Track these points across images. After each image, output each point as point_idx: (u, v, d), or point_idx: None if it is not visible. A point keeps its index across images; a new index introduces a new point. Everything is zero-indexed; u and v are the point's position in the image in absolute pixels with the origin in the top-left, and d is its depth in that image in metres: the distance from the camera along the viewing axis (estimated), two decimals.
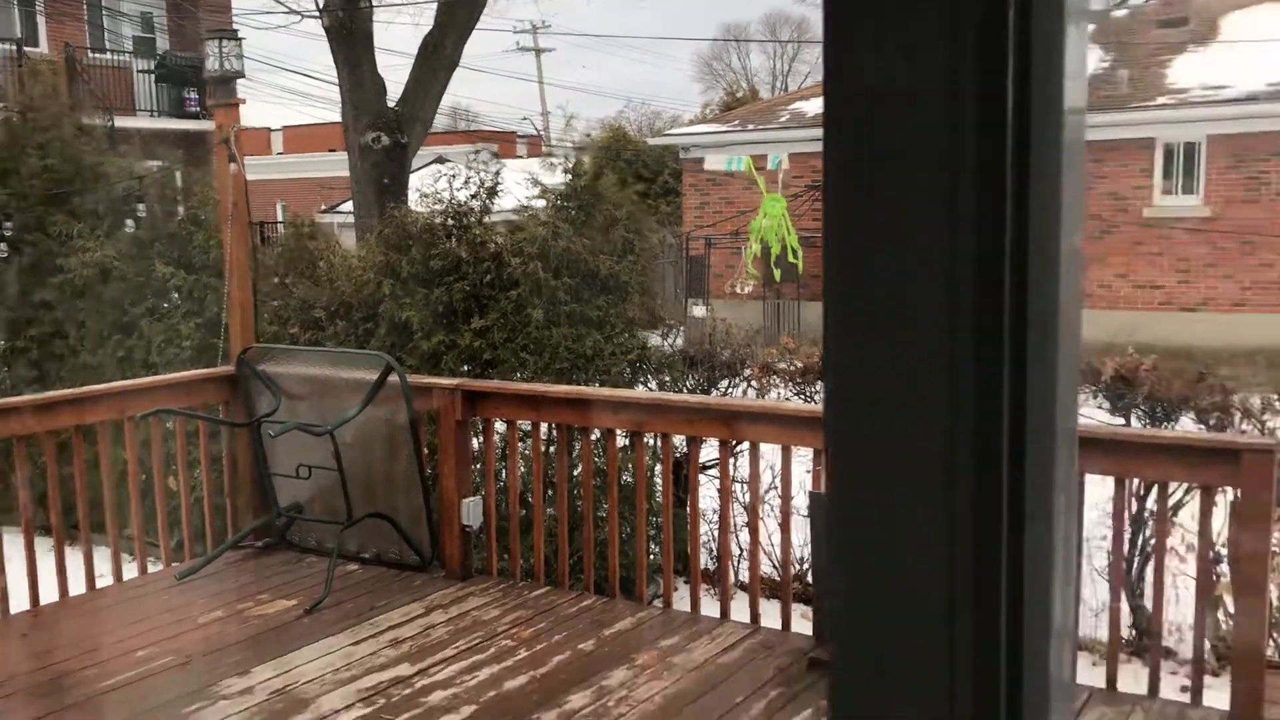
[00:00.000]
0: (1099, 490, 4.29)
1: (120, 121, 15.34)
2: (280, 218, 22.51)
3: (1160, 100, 16.36)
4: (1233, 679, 3.79)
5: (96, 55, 18.69)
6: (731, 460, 5.41)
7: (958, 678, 0.52)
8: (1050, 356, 0.52)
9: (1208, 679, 4.21)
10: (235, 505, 5.96)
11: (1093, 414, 6.41)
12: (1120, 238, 16.33)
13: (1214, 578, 5.28)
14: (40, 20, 18.63)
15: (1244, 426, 5.86)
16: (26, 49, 16.76)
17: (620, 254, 7.41)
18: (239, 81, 6.19)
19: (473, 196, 7.73)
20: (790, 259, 15.52)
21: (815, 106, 20.12)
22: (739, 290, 16.26)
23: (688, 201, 20.46)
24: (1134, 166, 16.25)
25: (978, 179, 0.50)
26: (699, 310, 15.01)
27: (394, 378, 5.34)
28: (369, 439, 5.50)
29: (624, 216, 7.64)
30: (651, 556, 6.32)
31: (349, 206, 15.13)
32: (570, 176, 7.83)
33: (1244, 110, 15.38)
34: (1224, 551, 5.08)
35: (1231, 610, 4.43)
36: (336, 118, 12.16)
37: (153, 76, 18.87)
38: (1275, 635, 5.65)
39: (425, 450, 5.63)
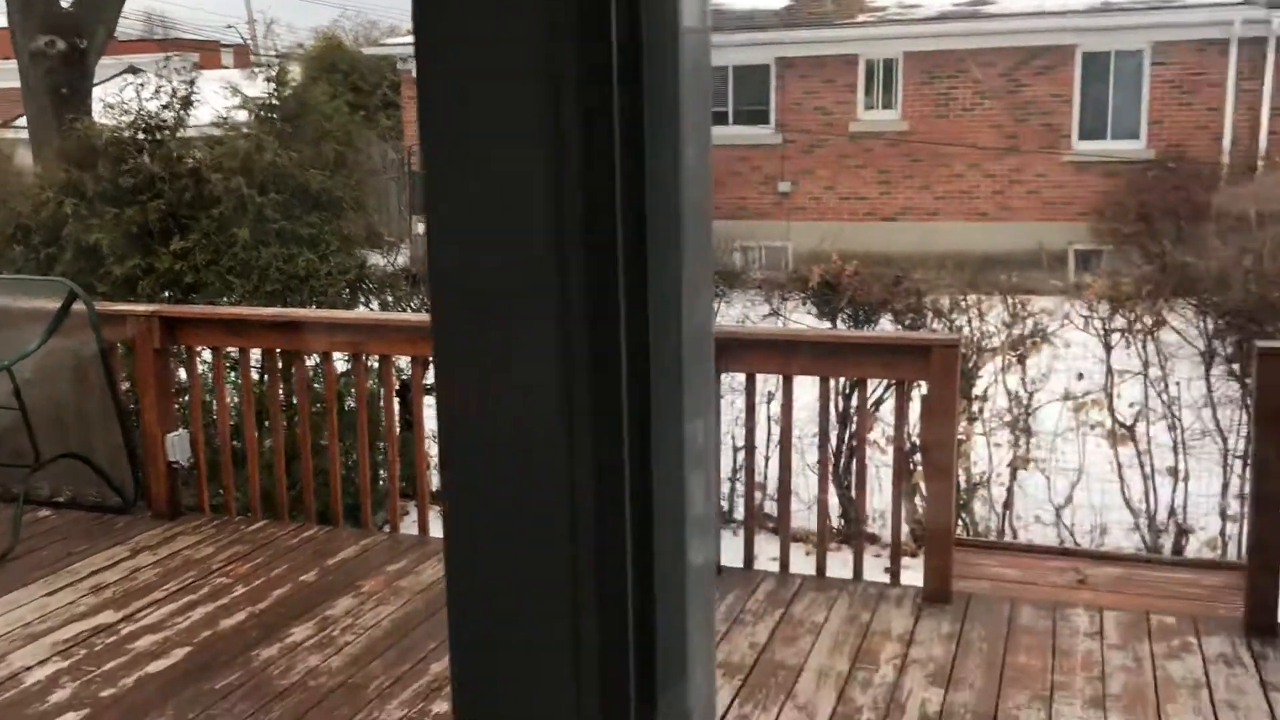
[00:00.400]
0: (809, 390, 4.51)
1: None
2: None
3: (861, 18, 17.16)
4: (925, 558, 4.11)
5: None
6: None
7: (581, 583, 0.48)
8: (674, 263, 0.50)
9: (906, 560, 4.56)
10: None
11: (802, 319, 6.73)
12: (828, 151, 17.14)
13: (910, 467, 5.70)
14: None
15: (935, 325, 6.32)
16: None
17: (332, 168, 7.07)
18: None
19: (165, 107, 7.16)
20: None
21: None
22: None
23: (408, 114, 19.81)
24: (839, 82, 17.02)
25: (580, 91, 0.46)
26: (423, 227, 14.69)
27: (79, 306, 4.89)
28: (55, 373, 5.04)
29: (335, 129, 7.28)
30: (381, 483, 6.17)
31: (25, 122, 13.71)
32: (275, 86, 7.38)
33: (935, 29, 16.38)
34: (918, 442, 5.48)
35: (924, 495, 4.80)
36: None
37: None
38: (963, 516, 6.20)
39: (124, 384, 5.22)
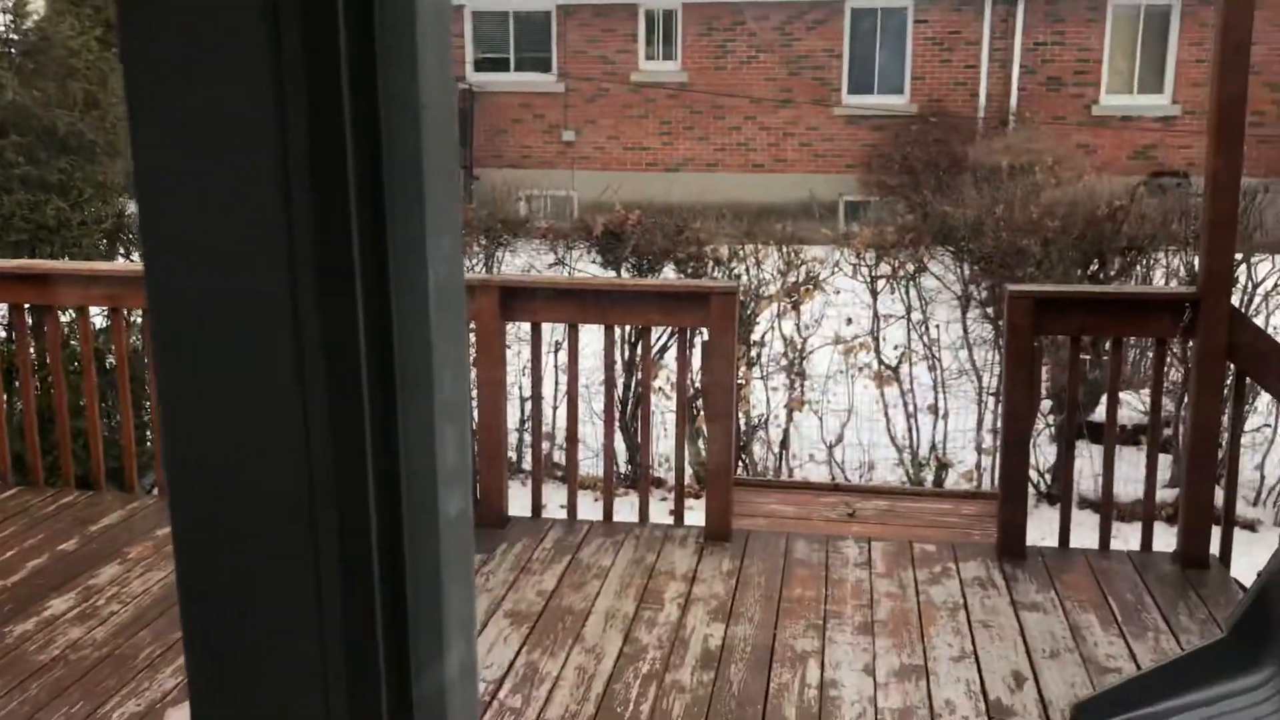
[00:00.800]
0: (596, 339, 4.54)
1: None
2: None
3: None
4: (706, 498, 4.23)
5: None
6: None
7: (323, 559, 0.46)
8: (416, 211, 0.48)
9: (690, 502, 4.68)
10: None
11: (587, 268, 6.76)
12: (610, 101, 17.19)
13: (693, 412, 5.85)
14: None
15: (715, 274, 6.47)
16: None
17: (82, 109, 6.57)
18: None
19: None
20: None
21: None
22: None
23: None
24: (620, 31, 17.06)
25: (305, 26, 0.43)
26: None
27: None
28: None
29: (84, 66, 6.76)
30: (148, 445, 5.84)
31: None
32: (12, 19, 6.77)
33: None
34: (699, 387, 5.63)
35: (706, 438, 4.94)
36: None
37: None
38: (743, 457, 6.42)
39: None
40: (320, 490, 0.46)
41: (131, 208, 7.33)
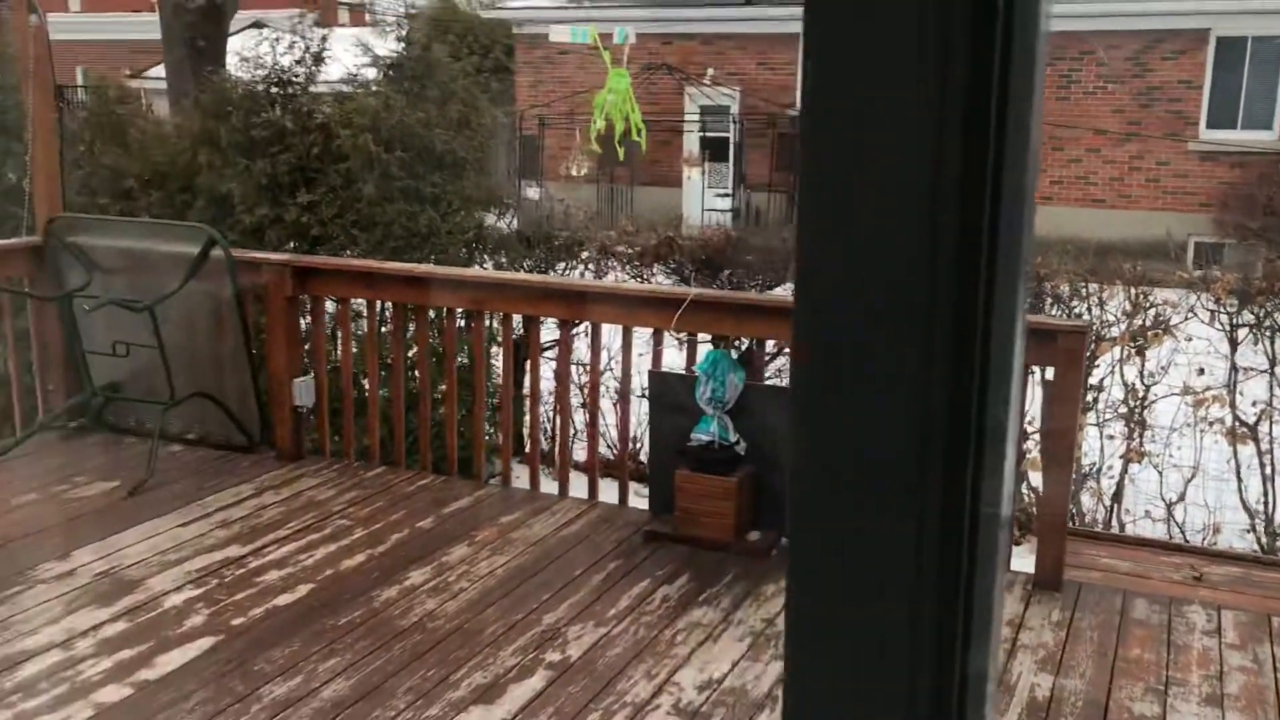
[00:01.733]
0: None
1: None
2: (81, 82, 20.92)
3: None
4: (1039, 544, 4.07)
5: None
6: (570, 341, 5.40)
7: (924, 577, 0.52)
8: (1017, 251, 0.51)
9: (1013, 548, 4.53)
10: (45, 385, 5.62)
11: None
12: None
13: (1021, 453, 5.65)
14: None
15: (1053, 311, 6.21)
16: None
17: (456, 129, 7.20)
18: None
19: (298, 62, 7.35)
20: (634, 137, 15.37)
21: None
22: (573, 172, 16.10)
23: (521, 79, 19.98)
24: None
25: (969, 75, 0.48)
26: (533, 191, 14.83)
27: (218, 252, 5.09)
28: (191, 316, 5.25)
29: (459, 90, 7.40)
30: (489, 438, 6.31)
31: (159, 72, 14.15)
32: (404, 45, 7.52)
33: (1061, 8, 15.92)
34: (1029, 428, 5.42)
35: (1037, 483, 4.75)
36: None
37: None
38: (1070, 505, 6.11)
39: (252, 328, 5.41)
40: (927, 542, 0.51)
41: (489, 219, 7.94)
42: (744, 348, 5.65)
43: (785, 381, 5.88)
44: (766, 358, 5.68)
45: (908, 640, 0.54)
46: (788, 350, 5.87)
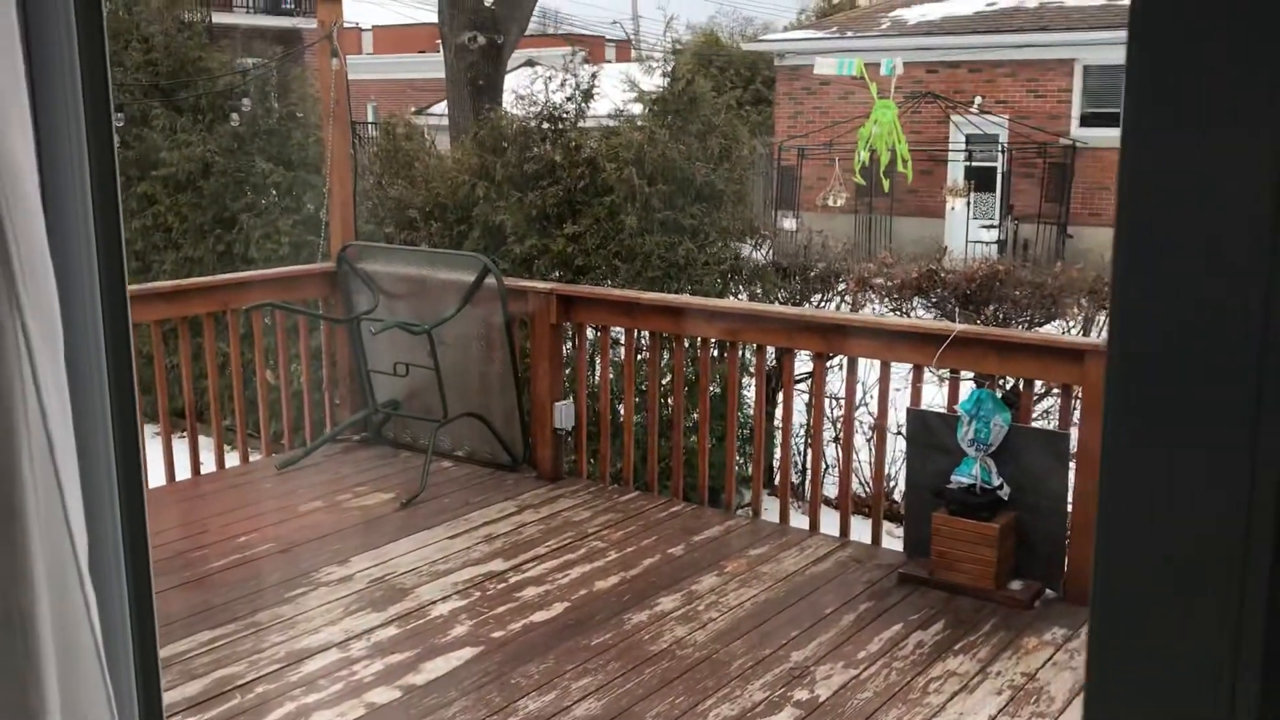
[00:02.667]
0: None
1: (217, 18, 15.44)
2: (371, 118, 22.60)
3: None
4: None
5: None
6: (824, 374, 5.35)
7: (1244, 657, 0.48)
8: None
9: None
10: (333, 399, 6.08)
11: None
12: None
13: None
14: None
15: None
16: None
17: (716, 162, 7.30)
18: None
19: (568, 99, 7.66)
20: (900, 167, 15.13)
21: (917, 14, 19.46)
22: (831, 203, 15.98)
23: (780, 110, 20.05)
24: None
25: None
26: (789, 222, 14.82)
27: (491, 279, 5.36)
28: (465, 339, 5.55)
29: (721, 123, 7.50)
30: (738, 467, 6.34)
31: (440, 108, 15.12)
32: (668, 81, 7.71)
33: None
34: None
35: None
36: (427, 17, 12.07)
37: None
38: None
39: (518, 352, 5.66)
40: (1252, 577, 0.48)
41: (744, 250, 8.00)
42: (1009, 387, 5.42)
43: (1053, 424, 5.60)
44: (1034, 398, 5.42)
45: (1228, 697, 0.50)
46: (1056, 391, 5.58)
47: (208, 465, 5.60)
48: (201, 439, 5.66)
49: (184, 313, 5.45)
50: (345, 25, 8.14)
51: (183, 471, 5.40)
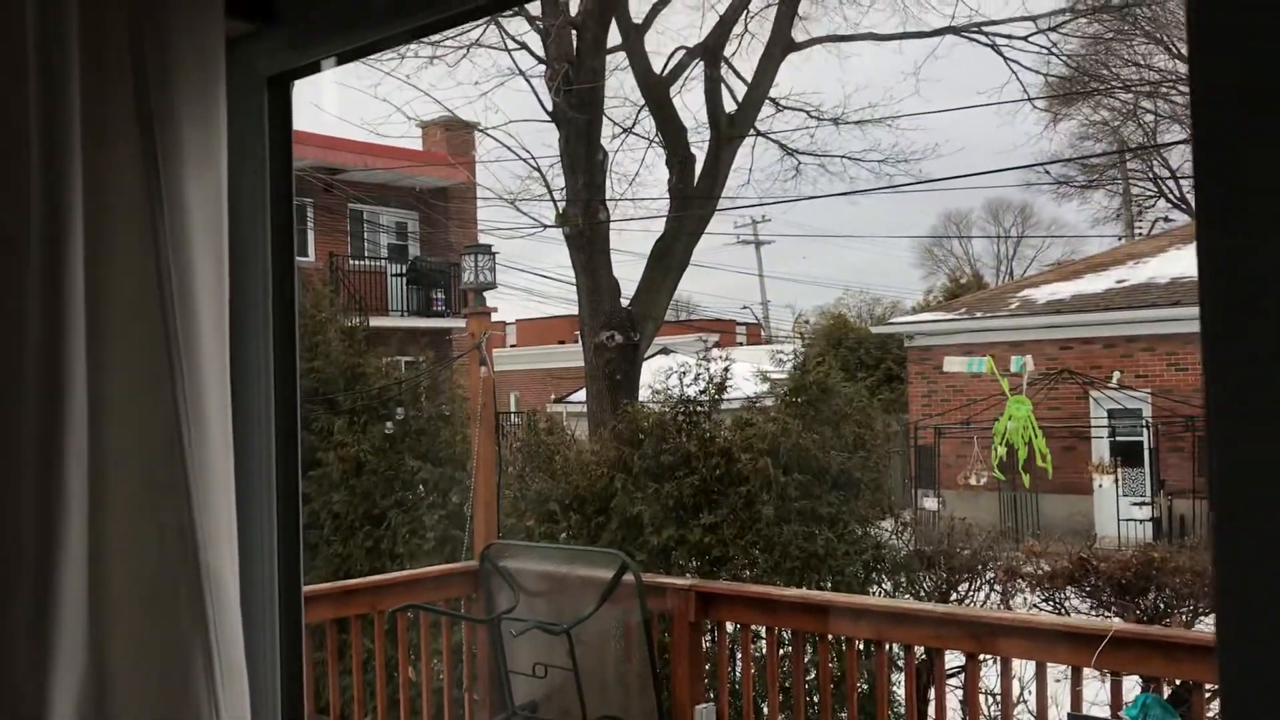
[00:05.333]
0: None
1: (374, 321, 16.62)
2: (514, 408, 23.54)
3: None
4: None
5: (355, 262, 20.46)
6: (979, 670, 5.10)
7: None
8: None
9: None
10: (472, 698, 6.05)
11: None
12: None
13: None
14: (310, 234, 20.63)
15: None
16: (298, 259, 18.54)
17: (851, 449, 7.34)
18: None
19: (702, 392, 7.89)
20: (1039, 462, 14.93)
21: (1045, 294, 19.67)
22: (973, 481, 15.70)
23: (914, 390, 20.16)
24: None
25: None
26: (930, 502, 14.57)
27: (629, 576, 5.38)
28: (603, 638, 5.52)
29: (854, 411, 7.59)
30: None
31: (579, 395, 15.70)
32: (799, 371, 7.90)
33: None
34: None
35: None
36: (566, 310, 12.76)
37: (404, 280, 20.44)
38: None
39: (656, 650, 5.59)
40: None
41: (884, 532, 7.87)
42: (1179, 684, 5.08)
43: None
44: (1207, 697, 5.05)
45: None
46: None
47: None
48: None
49: (332, 615, 5.59)
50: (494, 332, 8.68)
51: None
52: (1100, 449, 17.45)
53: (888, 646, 5.23)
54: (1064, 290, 19.47)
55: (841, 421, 7.48)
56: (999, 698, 5.59)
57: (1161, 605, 6.24)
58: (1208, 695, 5.38)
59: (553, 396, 23.64)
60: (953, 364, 16.57)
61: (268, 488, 1.02)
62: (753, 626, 5.63)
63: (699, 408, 7.86)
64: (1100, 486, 16.60)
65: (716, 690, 5.38)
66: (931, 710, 5.22)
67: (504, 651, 5.82)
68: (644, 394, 10.17)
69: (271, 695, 0.99)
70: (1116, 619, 6.18)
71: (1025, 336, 16.86)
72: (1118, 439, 17.30)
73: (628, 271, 12.43)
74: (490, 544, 6.04)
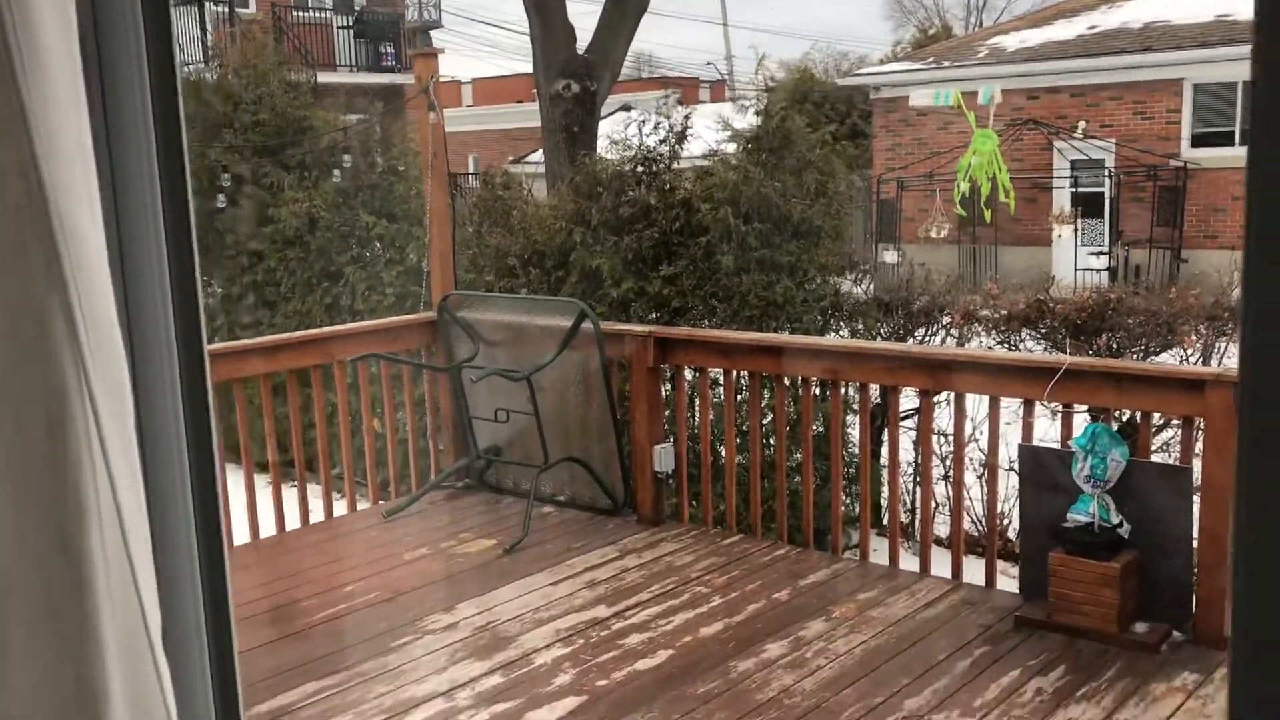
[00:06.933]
0: None
1: (322, 77, 15.94)
2: (472, 169, 23.05)
3: None
4: None
5: (299, 14, 19.45)
6: (932, 410, 5.20)
7: None
8: None
9: None
10: (437, 447, 6.14)
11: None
12: None
13: None
14: None
15: None
16: (238, 10, 17.59)
17: (812, 198, 7.23)
18: (435, 33, 6.28)
19: (662, 142, 7.68)
20: (1002, 198, 14.80)
21: (1015, 41, 19.15)
22: (933, 234, 15.72)
23: (878, 143, 19.87)
24: None
25: None
26: (890, 255, 14.62)
27: (588, 324, 5.36)
28: (563, 384, 5.56)
29: (817, 159, 7.44)
30: (844, 508, 6.21)
31: (537, 157, 15.33)
32: (761, 119, 7.68)
33: None
34: None
35: None
36: (525, 69, 12.29)
37: (351, 33, 19.52)
38: None
39: (616, 396, 5.65)
40: None
41: (844, 285, 7.89)
42: (1125, 420, 5.21)
43: (1174, 458, 5.37)
44: (1153, 431, 5.21)
45: None
46: (1177, 423, 5.35)
47: (316, 514, 5.70)
48: (311, 488, 5.76)
49: (292, 365, 5.57)
50: (444, 79, 8.31)
51: (292, 521, 5.49)
52: (1061, 200, 17.45)
53: (844, 389, 5.30)
54: (1034, 37, 18.95)
55: (804, 169, 7.32)
56: (950, 437, 5.74)
57: (1115, 345, 6.35)
58: (1155, 428, 5.55)
59: (510, 158, 23.11)
60: (919, 97, 16.24)
61: (147, 159, 0.90)
62: (711, 371, 5.68)
63: (659, 158, 7.66)
64: (1059, 237, 16.69)
65: (675, 435, 5.47)
66: (885, 450, 5.36)
67: (466, 399, 5.87)
68: (602, 146, 9.91)
69: (168, 365, 0.91)
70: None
71: (992, 86, 16.50)
72: (1079, 189, 17.27)
73: (587, 22, 11.84)
74: (448, 295, 5.98)
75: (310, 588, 4.74)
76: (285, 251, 9.02)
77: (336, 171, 8.85)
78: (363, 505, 6.03)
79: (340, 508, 5.98)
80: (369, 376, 5.97)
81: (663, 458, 5.36)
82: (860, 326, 7.55)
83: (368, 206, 8.80)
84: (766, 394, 5.79)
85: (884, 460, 5.66)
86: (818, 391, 5.78)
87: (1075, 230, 16.73)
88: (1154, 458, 4.88)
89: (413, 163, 8.90)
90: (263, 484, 5.40)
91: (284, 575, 4.94)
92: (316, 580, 4.83)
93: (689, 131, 7.81)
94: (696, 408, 6.18)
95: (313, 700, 3.69)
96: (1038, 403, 4.46)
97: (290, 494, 5.62)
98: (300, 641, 4.22)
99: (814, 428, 5.86)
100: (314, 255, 8.85)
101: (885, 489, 5.63)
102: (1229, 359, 6.34)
